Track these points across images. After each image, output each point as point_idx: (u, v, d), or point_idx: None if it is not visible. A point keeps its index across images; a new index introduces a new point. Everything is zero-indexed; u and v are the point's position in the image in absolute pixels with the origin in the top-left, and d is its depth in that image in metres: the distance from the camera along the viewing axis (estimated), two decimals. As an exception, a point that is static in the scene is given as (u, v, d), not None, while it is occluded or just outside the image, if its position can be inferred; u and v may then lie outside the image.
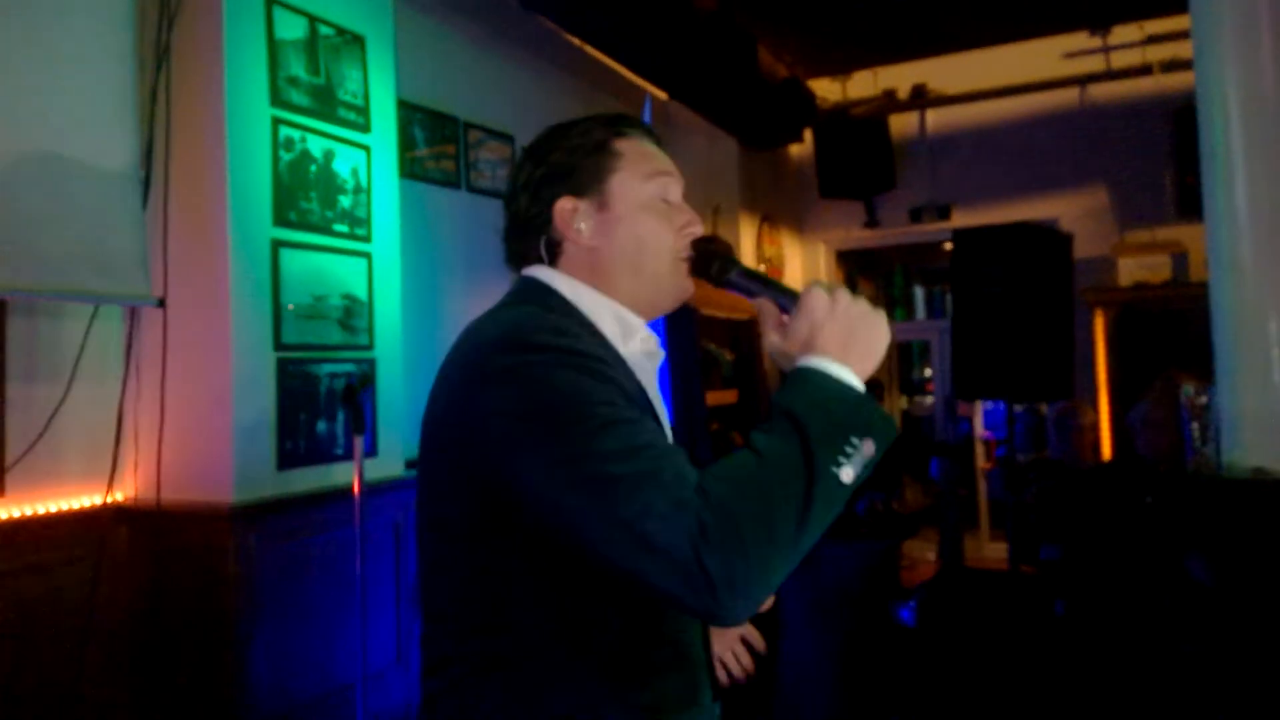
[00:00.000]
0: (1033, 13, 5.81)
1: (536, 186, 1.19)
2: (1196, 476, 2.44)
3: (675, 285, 1.20)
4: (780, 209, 7.25)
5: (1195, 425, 2.47)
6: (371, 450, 3.27)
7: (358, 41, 3.33)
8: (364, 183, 3.30)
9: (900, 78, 6.83)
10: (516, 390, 0.97)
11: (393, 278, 3.42)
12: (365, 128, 3.33)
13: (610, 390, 0.97)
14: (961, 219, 6.67)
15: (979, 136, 6.75)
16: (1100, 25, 6.12)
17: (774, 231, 7.14)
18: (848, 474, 0.92)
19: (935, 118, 6.96)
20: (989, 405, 7.15)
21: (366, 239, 3.30)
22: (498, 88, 4.54)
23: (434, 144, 4.15)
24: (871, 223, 7.15)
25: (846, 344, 1.00)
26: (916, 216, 6.96)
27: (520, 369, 0.98)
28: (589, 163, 1.19)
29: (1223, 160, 2.57)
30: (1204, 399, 2.46)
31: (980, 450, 7.34)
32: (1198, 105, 2.65)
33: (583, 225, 1.17)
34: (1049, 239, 4.37)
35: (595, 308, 1.16)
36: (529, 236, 1.20)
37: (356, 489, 2.72)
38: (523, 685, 1.00)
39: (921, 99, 6.81)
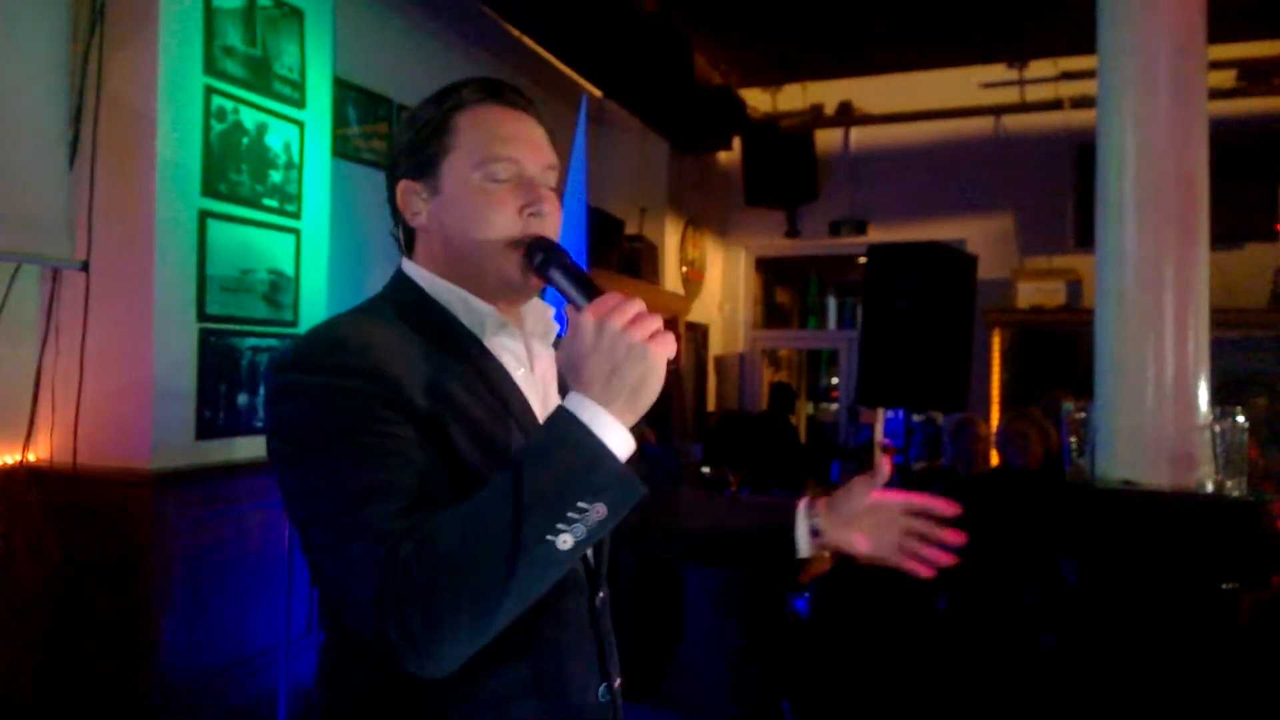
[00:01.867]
0: (957, 42, 6.08)
1: (390, 169, 1.16)
2: (1072, 485, 2.65)
3: (503, 275, 1.10)
4: (706, 213, 7.41)
5: (1074, 439, 2.67)
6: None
7: (296, 15, 3.30)
8: (296, 159, 3.29)
9: (828, 94, 7.06)
10: (286, 411, 0.98)
11: (320, 256, 3.42)
12: (300, 103, 3.31)
13: (368, 422, 0.94)
14: (877, 235, 6.92)
15: (898, 156, 7.02)
16: (1018, 59, 6.43)
17: (698, 235, 7.29)
18: (567, 540, 0.87)
19: (859, 135, 7.21)
20: (890, 414, 7.42)
21: (296, 215, 3.29)
22: (433, 72, 4.54)
23: (366, 124, 4.15)
24: (792, 232, 7.37)
25: (610, 382, 0.91)
26: (835, 229, 7.21)
27: (291, 390, 0.98)
28: (429, 144, 1.12)
29: (1115, 197, 2.75)
30: (1082, 415, 2.67)
31: (879, 456, 7.60)
32: (1097, 144, 2.81)
33: (419, 210, 1.13)
34: (956, 259, 4.61)
35: (449, 298, 1.12)
36: (395, 222, 1.18)
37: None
38: (381, 671, 0.99)
39: (847, 116, 7.05)
